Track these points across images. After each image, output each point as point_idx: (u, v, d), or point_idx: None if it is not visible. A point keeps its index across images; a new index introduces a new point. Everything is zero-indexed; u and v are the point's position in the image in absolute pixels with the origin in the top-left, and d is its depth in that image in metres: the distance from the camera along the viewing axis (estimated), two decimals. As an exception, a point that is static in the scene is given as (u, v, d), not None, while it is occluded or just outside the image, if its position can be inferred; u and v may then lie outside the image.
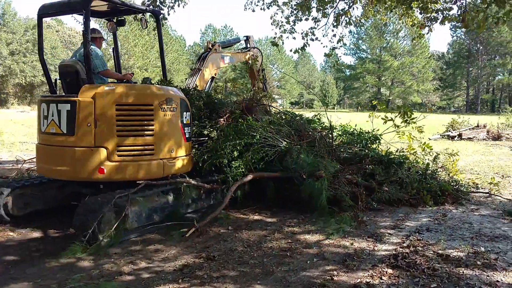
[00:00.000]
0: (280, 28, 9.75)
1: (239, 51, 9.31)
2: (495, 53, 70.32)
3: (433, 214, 6.30)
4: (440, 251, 4.67)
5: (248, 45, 9.29)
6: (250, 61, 9.15)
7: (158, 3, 9.71)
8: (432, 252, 4.65)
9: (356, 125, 8.24)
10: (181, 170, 5.97)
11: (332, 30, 10.61)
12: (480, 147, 15.66)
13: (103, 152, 5.30)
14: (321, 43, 14.19)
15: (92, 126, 5.27)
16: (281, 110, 7.90)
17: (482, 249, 4.76)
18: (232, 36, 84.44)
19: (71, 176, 5.39)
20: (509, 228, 5.60)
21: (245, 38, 9.28)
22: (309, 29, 9.69)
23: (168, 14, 9.79)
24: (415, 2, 8.79)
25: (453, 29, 75.17)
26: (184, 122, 5.99)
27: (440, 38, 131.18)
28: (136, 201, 5.38)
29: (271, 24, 9.73)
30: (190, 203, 6.14)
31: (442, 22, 8.53)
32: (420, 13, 9.08)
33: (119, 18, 6.50)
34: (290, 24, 9.68)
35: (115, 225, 5.02)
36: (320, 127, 7.74)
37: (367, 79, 72.55)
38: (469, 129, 19.42)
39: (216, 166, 6.37)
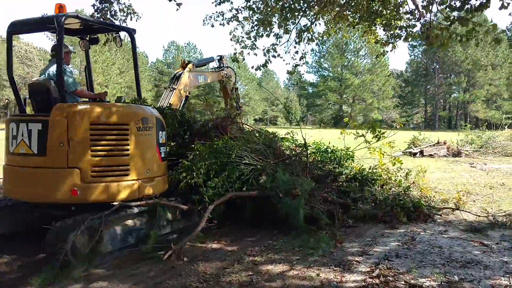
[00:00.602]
0: (240, 44, 9.42)
1: (213, 70, 9.31)
2: (450, 71, 73.33)
3: (401, 237, 6.03)
4: (412, 281, 4.44)
5: (222, 64, 9.31)
6: (223, 80, 9.16)
7: (109, 16, 9.16)
8: (403, 283, 4.41)
9: (329, 143, 8.34)
10: (157, 190, 5.84)
11: (294, 47, 9.61)
12: (442, 164, 15.76)
13: (76, 173, 5.12)
14: (283, 60, 13.47)
15: (65, 146, 5.09)
16: (254, 128, 7.90)
17: (456, 277, 4.54)
18: (196, 53, 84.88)
19: (43, 198, 5.17)
20: (479, 252, 5.36)
21: (218, 57, 9.30)
22: (270, 45, 9.35)
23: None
24: (379, 19, 8.80)
25: (411, 48, 78.09)
26: (160, 142, 5.89)
27: (399, 57, 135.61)
28: (110, 223, 5.22)
29: (231, 39, 9.37)
30: (165, 224, 6.00)
31: (405, 39, 8.53)
32: (384, 30, 9.02)
33: (92, 36, 6.37)
34: (251, 39, 9.36)
35: (89, 249, 4.87)
36: (294, 145, 7.79)
37: (329, 96, 74.11)
38: (430, 146, 19.63)
39: (191, 186, 6.27)
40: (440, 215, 7.32)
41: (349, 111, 77.31)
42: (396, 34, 8.79)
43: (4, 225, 5.66)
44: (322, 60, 78.02)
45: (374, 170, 7.56)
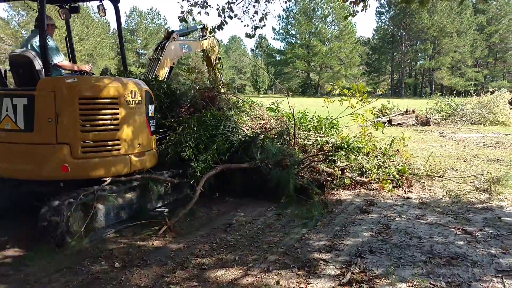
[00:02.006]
0: (188, 1, 8.01)
1: (196, 39, 9.11)
2: (416, 38, 74.39)
3: (374, 225, 5.41)
4: (390, 288, 3.79)
5: (205, 34, 9.11)
6: (207, 50, 8.99)
7: None
8: (381, 291, 3.77)
9: (315, 112, 8.38)
10: (148, 164, 5.77)
11: (254, 6, 8.28)
12: (411, 133, 14.81)
13: (66, 149, 4.97)
14: (241, 21, 7.94)
15: (53, 122, 4.92)
16: (241, 98, 7.85)
17: (442, 282, 3.85)
18: (159, 20, 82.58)
19: (32, 175, 5.02)
20: (463, 243, 4.79)
21: (201, 26, 9.09)
22: (226, 3, 7.92)
23: None
24: (347, -27, 7.79)
25: (378, 15, 78.47)
26: (149, 115, 5.78)
27: (366, 24, 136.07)
28: (102, 198, 5.15)
29: None
30: (157, 198, 5.97)
31: None
32: None
33: (73, 5, 6.09)
34: None
35: (84, 225, 4.81)
36: (281, 115, 7.80)
37: (297, 64, 73.99)
38: (399, 114, 19.40)
39: (181, 159, 6.23)
40: (424, 183, 7.51)
41: (317, 79, 77.67)
42: None
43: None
44: (289, 26, 77.57)
45: (359, 139, 7.66)
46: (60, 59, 5.46)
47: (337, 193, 6.80)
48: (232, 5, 7.87)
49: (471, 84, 64.61)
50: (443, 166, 8.78)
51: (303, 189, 6.51)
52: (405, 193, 6.95)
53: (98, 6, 5.87)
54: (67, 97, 4.96)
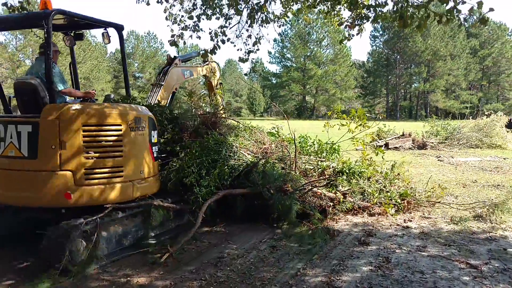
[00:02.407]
0: (179, 25, 7.75)
1: (198, 65, 9.21)
2: (411, 62, 75.29)
3: (374, 258, 5.13)
4: None
5: (206, 59, 9.22)
6: (208, 75, 9.09)
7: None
8: None
9: (316, 136, 8.42)
10: (150, 190, 5.76)
11: (247, 30, 8.11)
12: (408, 157, 14.05)
13: (69, 176, 4.97)
14: (234, 46, 8.18)
15: (57, 149, 4.93)
16: (241, 123, 7.90)
17: None
18: (156, 43, 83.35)
19: (34, 202, 4.99)
20: (469, 279, 4.49)
21: (203, 52, 9.19)
22: (219, 27, 7.70)
23: (28, 3, 7.03)
24: (342, -3, 7.46)
25: (372, 39, 79.55)
26: (152, 141, 5.80)
27: (361, 47, 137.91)
28: (105, 226, 5.12)
29: (166, 18, 7.73)
30: (159, 225, 5.93)
31: (374, 21, 7.26)
32: (349, 10, 7.69)
33: (77, 32, 6.17)
34: (192, 19, 7.71)
35: (87, 253, 4.77)
36: (281, 139, 7.84)
37: (293, 87, 74.50)
38: (395, 138, 19.03)
39: (183, 185, 6.22)
40: (425, 207, 7.46)
41: (313, 101, 78.15)
42: (363, 15, 7.56)
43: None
44: (285, 50, 78.34)
45: (360, 163, 7.69)
46: (64, 86, 5.50)
47: (339, 219, 6.76)
48: (225, 29, 7.75)
49: (466, 107, 65.27)
50: (443, 191, 8.32)
51: (305, 214, 6.51)
52: (405, 222, 6.71)
53: (102, 34, 5.94)
54: (71, 124, 4.98)
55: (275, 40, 78.26)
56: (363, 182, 7.13)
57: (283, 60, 79.55)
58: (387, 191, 7.26)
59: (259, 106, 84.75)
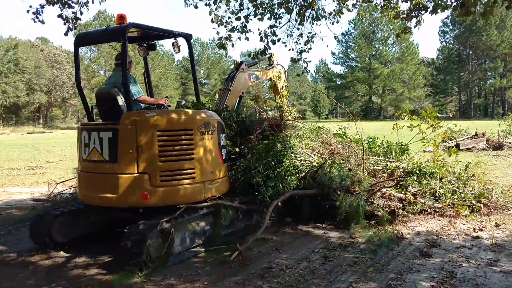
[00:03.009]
0: (225, 27, 7.40)
1: (264, 68, 9.42)
2: (485, 57, 71.42)
3: (436, 272, 4.62)
4: None
5: (272, 62, 9.42)
6: (274, 78, 9.28)
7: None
8: None
9: (384, 137, 8.32)
10: (220, 191, 5.99)
11: (298, 29, 7.61)
12: (482, 159, 12.18)
13: (146, 178, 5.32)
14: (285, 46, 7.48)
15: (134, 153, 5.30)
16: (306, 125, 7.99)
17: None
18: (221, 49, 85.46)
19: (116, 202, 5.39)
20: None
21: (268, 55, 9.39)
22: (268, 27, 7.38)
23: (81, 13, 7.17)
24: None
25: (441, 34, 76.43)
26: (221, 144, 6.04)
27: (429, 44, 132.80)
28: (179, 225, 5.41)
29: (212, 21, 7.37)
30: (229, 224, 6.17)
31: (433, 11, 6.67)
32: (406, 1, 7.32)
33: (150, 43, 6.57)
34: (240, 20, 7.35)
35: (163, 250, 5.07)
36: (349, 139, 7.84)
37: (358, 87, 73.21)
38: (467, 138, 17.96)
39: (251, 185, 6.42)
40: (502, 210, 7.00)
41: (379, 102, 76.31)
42: (421, 6, 7.06)
43: (79, 228, 5.96)
44: (348, 50, 77.20)
45: (431, 164, 7.48)
46: (140, 95, 5.87)
47: (409, 220, 6.63)
48: (275, 28, 7.42)
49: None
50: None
51: (373, 215, 6.47)
52: (475, 231, 6.14)
53: (172, 43, 6.27)
54: (147, 130, 5.32)
55: (338, 40, 77.41)
56: (434, 183, 6.93)
57: (347, 60, 78.53)
58: (461, 192, 6.98)
59: (324, 108, 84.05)
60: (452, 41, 75.54)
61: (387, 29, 72.36)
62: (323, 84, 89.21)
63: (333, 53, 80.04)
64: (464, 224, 6.42)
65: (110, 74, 6.35)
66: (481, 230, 6.15)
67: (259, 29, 7.32)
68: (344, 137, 8.02)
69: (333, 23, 7.97)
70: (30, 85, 60.90)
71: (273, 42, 7.38)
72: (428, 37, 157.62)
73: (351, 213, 6.26)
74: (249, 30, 7.36)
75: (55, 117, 69.00)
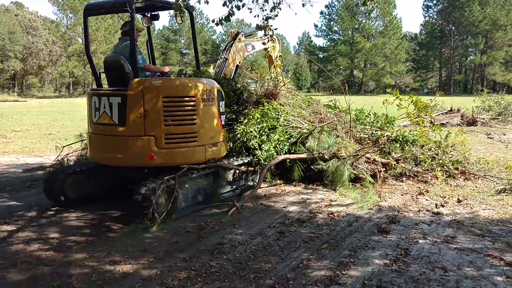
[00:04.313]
0: None
1: (260, 38, 9.83)
2: (467, 33, 71.93)
3: (391, 249, 4.52)
4: None
5: (267, 33, 9.83)
6: (268, 48, 9.72)
7: None
8: None
9: (372, 108, 8.90)
10: (219, 154, 6.53)
11: None
12: (450, 137, 11.39)
13: (152, 140, 5.79)
14: (250, 12, 6.28)
15: (141, 117, 5.75)
16: (300, 95, 8.53)
17: None
18: (202, 19, 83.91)
19: (125, 162, 5.87)
20: (502, 279, 3.78)
21: (265, 25, 9.75)
22: None
23: None
24: None
25: (425, 9, 76.80)
26: (220, 111, 6.53)
27: (413, 19, 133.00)
28: (182, 183, 5.94)
29: None
30: (227, 184, 6.73)
31: None
32: None
33: (154, 13, 6.92)
34: None
35: (169, 206, 5.60)
36: (338, 110, 8.40)
37: (340, 61, 73.06)
38: (442, 113, 17.88)
39: (246, 148, 6.98)
40: (479, 178, 7.42)
41: (360, 76, 76.75)
42: None
43: (91, 186, 6.51)
44: (332, 23, 76.79)
45: (414, 132, 8.07)
46: (144, 63, 6.29)
47: (392, 184, 7.19)
48: None
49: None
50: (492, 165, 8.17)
51: (358, 178, 7.10)
52: (436, 207, 6.14)
53: (175, 14, 6.63)
54: (154, 96, 5.77)
55: (321, 12, 77.16)
56: (415, 150, 7.54)
57: (330, 33, 78.02)
58: (440, 159, 7.56)
59: (306, 81, 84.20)
60: (435, 16, 75.90)
61: (371, 3, 72.19)
62: (305, 57, 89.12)
63: (315, 26, 79.80)
64: (427, 200, 6.47)
65: (116, 43, 6.71)
66: (443, 206, 6.16)
67: None
68: (334, 108, 8.58)
69: None
70: (4, 52, 59.12)
71: (238, 8, 6.75)
72: (412, 12, 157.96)
73: (337, 176, 6.88)
74: None
75: (31, 85, 67.63)
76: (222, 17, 6.74)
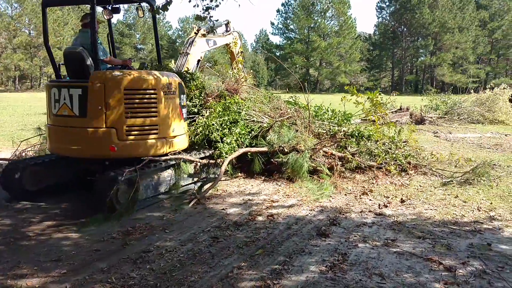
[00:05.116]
0: None
1: (221, 34, 9.95)
2: (417, 34, 74.53)
3: (329, 254, 4.32)
4: None
5: (228, 29, 9.95)
6: (230, 44, 9.84)
7: None
8: None
9: (330, 105, 9.20)
10: (180, 147, 6.59)
11: None
12: (403, 132, 10.61)
13: (113, 132, 5.80)
14: (189, 1, 6.51)
15: (102, 109, 5.74)
16: (260, 91, 8.71)
17: None
18: (159, 15, 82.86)
19: (85, 153, 5.86)
20: (439, 286, 3.69)
21: (225, 22, 9.90)
22: None
23: None
24: None
25: (379, 10, 78.99)
26: (182, 104, 6.59)
27: (368, 20, 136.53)
28: (143, 175, 5.97)
29: None
30: (188, 176, 6.80)
31: None
32: None
33: (115, 6, 6.87)
34: None
35: (130, 197, 5.63)
36: (298, 106, 8.64)
37: (296, 59, 73.87)
38: (392, 112, 17.61)
39: (208, 141, 7.08)
40: (426, 170, 7.87)
41: (316, 75, 77.93)
42: None
43: (51, 178, 6.43)
44: (288, 21, 77.54)
45: (369, 128, 8.40)
46: (106, 56, 6.26)
47: (348, 177, 7.43)
48: None
49: (474, 81, 64.62)
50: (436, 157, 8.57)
51: (315, 171, 7.36)
52: (379, 207, 6.01)
53: (136, 8, 6.65)
54: (114, 88, 5.78)
55: (278, 10, 77.76)
56: (370, 144, 7.88)
57: (287, 31, 78.75)
58: (393, 153, 7.90)
59: (263, 79, 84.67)
60: (388, 18, 78.21)
61: (326, 2, 73.47)
62: (263, 54, 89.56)
63: (272, 24, 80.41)
64: (370, 200, 6.34)
65: (76, 35, 6.63)
66: (386, 206, 6.02)
67: None
68: (294, 105, 8.82)
69: None
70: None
71: None
72: (367, 13, 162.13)
73: (296, 168, 7.09)
74: None
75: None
76: (159, 6, 6.42)
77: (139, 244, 4.59)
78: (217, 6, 6.78)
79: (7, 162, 7.12)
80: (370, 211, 5.80)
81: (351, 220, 5.43)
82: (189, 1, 6.64)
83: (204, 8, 6.72)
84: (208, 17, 6.71)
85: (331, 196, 6.44)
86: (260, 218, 5.46)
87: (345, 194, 6.62)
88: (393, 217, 5.53)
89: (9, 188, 6.12)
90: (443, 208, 5.95)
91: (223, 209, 5.88)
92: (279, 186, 6.99)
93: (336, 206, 6.03)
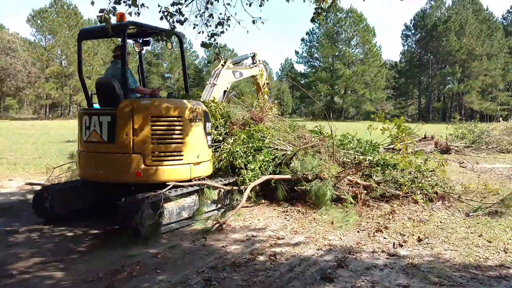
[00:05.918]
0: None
1: (248, 66, 10.23)
2: (444, 62, 73.94)
3: None
4: None
5: (255, 61, 10.25)
6: (256, 76, 10.11)
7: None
8: None
9: (356, 133, 9.20)
10: (205, 173, 6.72)
11: (207, 9, 6.53)
12: (429, 161, 10.04)
13: (140, 158, 5.98)
14: (194, 27, 6.34)
15: (130, 135, 5.95)
16: (285, 120, 8.87)
17: None
18: (185, 43, 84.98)
19: (113, 178, 6.05)
20: None
21: (252, 54, 10.22)
22: (171, 5, 6.04)
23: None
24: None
25: (404, 38, 79.01)
26: (207, 131, 6.76)
27: (393, 47, 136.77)
28: (168, 200, 6.09)
29: None
30: (211, 202, 6.89)
31: None
32: None
33: (145, 39, 7.19)
34: None
35: (154, 221, 5.74)
36: (322, 136, 8.70)
37: (320, 87, 74.10)
38: (416, 141, 16.82)
39: (232, 168, 7.20)
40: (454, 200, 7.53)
41: (341, 102, 77.85)
42: None
43: (77, 202, 6.66)
44: (312, 50, 78.22)
45: (395, 157, 8.30)
46: (135, 85, 6.55)
47: (372, 205, 7.28)
48: (179, 6, 6.04)
49: (504, 108, 63.02)
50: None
51: (339, 199, 7.34)
52: (394, 246, 5.43)
53: (165, 40, 6.90)
54: (142, 116, 5.99)
55: (302, 39, 78.68)
56: (396, 173, 7.80)
57: (311, 60, 79.41)
58: (419, 182, 7.72)
59: (287, 107, 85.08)
60: (414, 45, 78.07)
61: (351, 30, 74.06)
62: (287, 83, 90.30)
63: (296, 52, 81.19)
64: (384, 238, 5.75)
65: (108, 66, 6.97)
66: (401, 245, 5.43)
67: (159, 5, 5.89)
68: (319, 134, 8.89)
69: (249, 5, 6.85)
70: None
71: (180, 22, 6.16)
72: (392, 41, 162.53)
73: (320, 196, 7.10)
74: (142, 4, 5.65)
75: (9, 106, 67.10)
76: (205, 42, 6.38)
77: (125, 287, 4.17)
78: (222, 32, 6.62)
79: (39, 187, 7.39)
80: (383, 251, 5.21)
81: (361, 261, 4.86)
82: (194, 28, 6.51)
83: (209, 35, 6.55)
84: (213, 44, 6.52)
85: (355, 225, 6.37)
86: (261, 258, 4.95)
87: (358, 231, 6.05)
88: (408, 259, 4.93)
89: (40, 213, 6.35)
90: (464, 249, 5.27)
91: (223, 246, 5.40)
92: (287, 220, 6.65)
93: (346, 244, 5.46)
